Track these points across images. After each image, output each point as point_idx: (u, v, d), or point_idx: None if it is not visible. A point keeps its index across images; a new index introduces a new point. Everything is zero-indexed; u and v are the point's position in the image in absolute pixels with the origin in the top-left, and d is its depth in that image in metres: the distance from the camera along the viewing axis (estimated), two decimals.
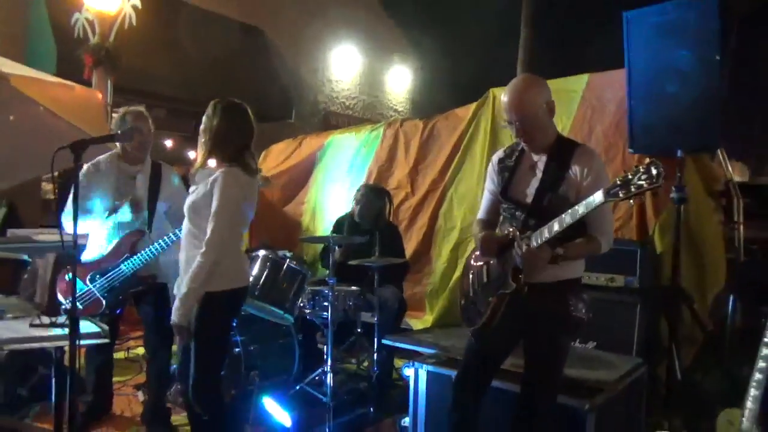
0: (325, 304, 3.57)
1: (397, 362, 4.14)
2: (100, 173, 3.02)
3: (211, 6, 9.03)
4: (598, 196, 1.88)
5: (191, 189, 2.48)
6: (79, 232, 2.82)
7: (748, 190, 4.16)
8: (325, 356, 3.49)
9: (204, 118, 2.47)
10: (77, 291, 2.80)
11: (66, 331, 2.00)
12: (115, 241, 2.99)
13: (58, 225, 2.71)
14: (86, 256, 3.03)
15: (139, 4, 5.93)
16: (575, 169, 2.13)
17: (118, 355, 4.37)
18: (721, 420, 2.52)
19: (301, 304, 3.72)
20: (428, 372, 3.00)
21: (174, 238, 2.86)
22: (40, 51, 6.88)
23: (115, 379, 3.43)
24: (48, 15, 6.90)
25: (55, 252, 2.93)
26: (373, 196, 4.37)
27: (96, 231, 3.04)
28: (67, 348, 2.05)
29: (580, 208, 1.94)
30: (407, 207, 5.17)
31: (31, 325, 2.29)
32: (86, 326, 2.34)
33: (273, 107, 9.60)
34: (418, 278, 4.91)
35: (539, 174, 2.20)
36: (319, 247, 4.89)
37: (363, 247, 3.99)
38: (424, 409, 2.99)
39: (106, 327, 2.44)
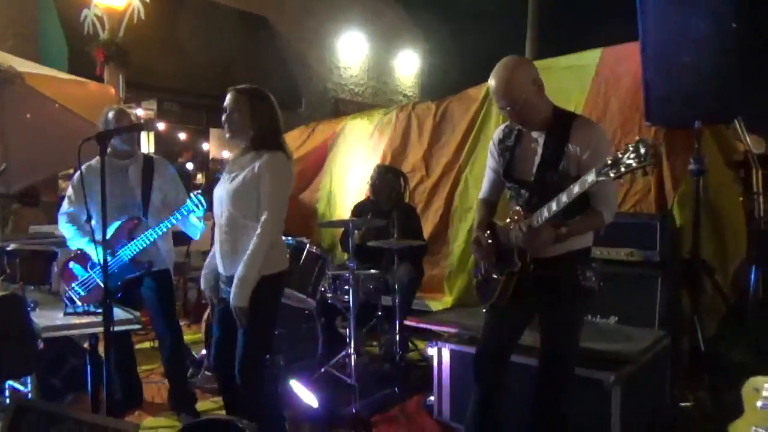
0: (346, 287, 3.61)
1: (419, 343, 4.18)
2: (94, 172, 3.06)
3: None
4: (591, 176, 1.90)
5: (226, 177, 2.49)
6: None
7: (764, 161, 4.12)
8: (347, 339, 3.54)
9: (232, 106, 2.45)
10: (79, 278, 2.89)
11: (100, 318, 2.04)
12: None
13: (88, 219, 2.76)
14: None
15: None
16: (574, 143, 2.11)
17: (144, 345, 4.46)
18: (747, 388, 2.51)
19: (323, 289, 3.76)
20: (451, 351, 3.04)
21: (169, 225, 2.94)
22: (51, 49, 6.94)
23: (143, 367, 3.50)
24: (57, 13, 6.95)
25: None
26: (390, 175, 4.39)
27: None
28: (100, 335, 2.10)
29: (576, 187, 1.95)
30: (423, 189, 5.18)
31: (65, 314, 2.35)
32: (118, 313, 2.39)
33: (282, 97, 9.50)
34: (436, 260, 4.93)
35: (539, 151, 2.20)
36: (337, 233, 4.92)
37: (381, 229, 4.01)
38: (448, 387, 3.04)
39: (137, 313, 2.49)
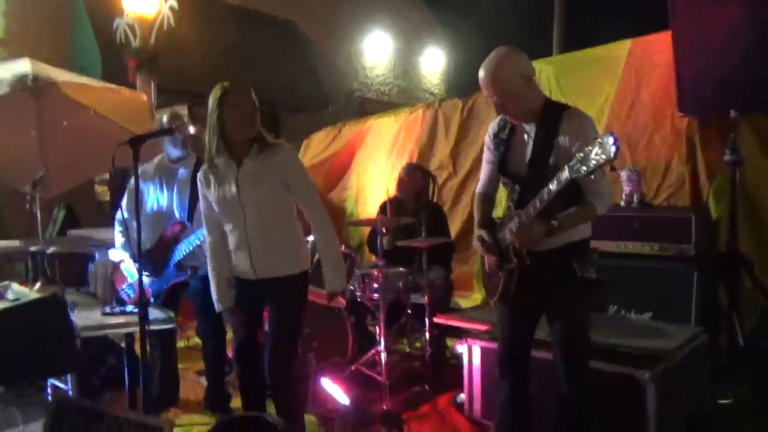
0: (375, 286, 3.62)
1: (449, 342, 4.16)
2: (146, 174, 3.15)
3: (243, 2, 9.15)
4: (564, 173, 1.91)
5: (236, 180, 2.44)
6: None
7: None
8: (377, 338, 3.55)
9: (247, 99, 2.41)
10: (129, 280, 2.97)
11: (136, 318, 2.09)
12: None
13: (112, 225, 2.83)
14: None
15: (176, 4, 6.06)
16: (563, 134, 2.08)
17: (179, 344, 4.55)
18: None
19: (352, 287, 3.78)
20: (482, 348, 3.02)
21: None
22: (85, 58, 7.13)
23: (178, 365, 3.57)
24: (91, 23, 7.14)
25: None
26: (419, 173, 4.38)
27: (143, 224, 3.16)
28: (136, 335, 2.15)
29: (553, 185, 1.96)
30: (450, 187, 5.17)
31: (103, 314, 2.41)
32: (154, 313, 2.45)
33: (309, 98, 9.69)
34: (465, 257, 4.91)
35: (530, 144, 2.18)
36: (365, 231, 4.93)
37: (409, 228, 4.00)
38: (479, 385, 3.01)
39: (172, 313, 2.54)
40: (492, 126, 2.36)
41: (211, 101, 2.39)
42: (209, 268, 2.57)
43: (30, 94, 4.71)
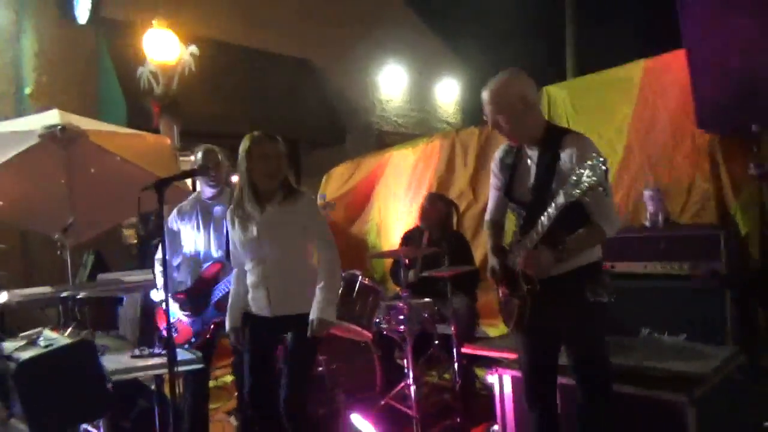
0: (401, 317, 3.60)
1: (479, 372, 4.09)
2: (183, 214, 3.21)
3: (260, 45, 9.41)
4: (560, 197, 1.92)
5: (267, 221, 2.58)
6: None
7: None
8: (405, 370, 3.51)
9: (276, 153, 2.59)
10: (172, 320, 2.99)
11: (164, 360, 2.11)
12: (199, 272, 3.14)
13: (149, 266, 2.87)
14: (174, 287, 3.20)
15: (197, 51, 6.26)
16: (565, 160, 2.09)
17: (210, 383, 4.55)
18: None
19: (378, 320, 3.76)
20: (513, 377, 2.96)
21: None
22: (111, 106, 7.37)
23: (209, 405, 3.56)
24: (116, 72, 7.41)
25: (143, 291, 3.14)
26: (441, 203, 4.39)
27: (182, 264, 3.21)
28: (166, 377, 2.17)
29: (551, 209, 1.97)
30: (471, 215, 5.15)
31: (133, 356, 2.44)
32: (181, 353, 2.46)
33: (327, 133, 9.83)
34: (490, 284, 4.84)
35: (533, 169, 2.19)
36: (387, 264, 4.92)
37: (433, 258, 3.99)
38: (512, 414, 2.95)
39: (200, 353, 2.56)
40: (498, 152, 2.38)
41: (241, 151, 2.58)
42: (231, 293, 2.73)
43: (59, 144, 4.87)
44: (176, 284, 3.13)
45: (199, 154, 3.18)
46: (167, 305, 2.27)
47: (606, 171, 1.80)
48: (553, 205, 1.97)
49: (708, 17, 3.30)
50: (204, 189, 3.23)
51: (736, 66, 3.21)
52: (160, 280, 3.19)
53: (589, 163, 1.81)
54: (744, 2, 3.14)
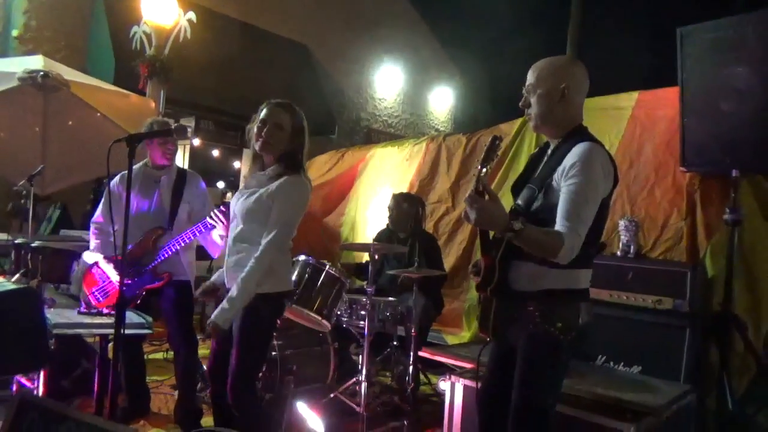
0: (362, 313, 3.56)
1: (433, 378, 4.07)
2: (124, 180, 3.12)
3: (259, 23, 9.29)
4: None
5: (244, 191, 2.47)
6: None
7: None
8: (359, 366, 3.46)
9: (275, 120, 2.41)
10: (100, 284, 2.91)
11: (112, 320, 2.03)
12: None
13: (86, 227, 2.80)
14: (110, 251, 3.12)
15: (194, 18, 6.14)
16: (565, 166, 1.90)
17: (157, 355, 4.45)
18: None
19: (338, 312, 3.71)
20: (465, 386, 2.94)
21: (189, 239, 2.96)
22: (100, 61, 7.20)
23: (153, 378, 3.48)
24: (109, 27, 7.23)
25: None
26: (405, 203, 4.38)
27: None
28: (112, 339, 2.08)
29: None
30: (447, 221, 5.14)
31: (79, 312, 2.35)
32: (131, 317, 2.38)
33: (316, 122, 9.74)
34: (456, 293, 4.85)
35: (540, 166, 2.06)
36: (358, 257, 4.88)
37: (401, 258, 3.96)
38: (459, 424, 2.93)
39: (150, 319, 2.48)
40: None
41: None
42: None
43: (38, 90, 4.72)
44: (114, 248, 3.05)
45: (155, 125, 3.10)
46: (121, 266, 2.17)
47: (599, 175, 1.77)
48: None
49: (706, 59, 3.33)
50: (155, 156, 3.15)
51: (726, 110, 3.24)
52: (93, 242, 3.18)
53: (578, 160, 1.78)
54: (742, 51, 3.17)
